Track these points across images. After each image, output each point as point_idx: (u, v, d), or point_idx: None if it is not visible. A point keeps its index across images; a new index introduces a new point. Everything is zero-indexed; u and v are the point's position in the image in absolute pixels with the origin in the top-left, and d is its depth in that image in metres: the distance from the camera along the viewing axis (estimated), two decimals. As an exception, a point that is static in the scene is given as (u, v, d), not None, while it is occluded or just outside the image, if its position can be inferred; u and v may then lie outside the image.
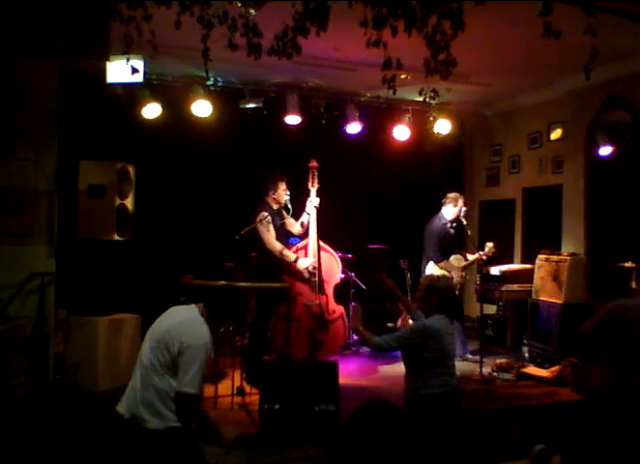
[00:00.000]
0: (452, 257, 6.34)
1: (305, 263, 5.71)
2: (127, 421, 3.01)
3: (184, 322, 3.08)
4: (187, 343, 2.96)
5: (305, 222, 5.91)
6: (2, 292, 4.82)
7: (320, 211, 5.97)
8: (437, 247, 6.20)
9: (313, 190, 5.95)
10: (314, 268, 5.77)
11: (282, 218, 5.81)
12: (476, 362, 6.13)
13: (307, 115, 7.06)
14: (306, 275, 5.74)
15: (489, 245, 6.33)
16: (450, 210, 6.32)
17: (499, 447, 4.49)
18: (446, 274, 5.83)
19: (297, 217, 6.01)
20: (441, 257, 6.19)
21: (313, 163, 6.02)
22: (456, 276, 6.10)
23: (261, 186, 5.80)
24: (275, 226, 5.65)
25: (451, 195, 6.38)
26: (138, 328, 5.42)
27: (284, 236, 5.83)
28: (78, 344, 5.20)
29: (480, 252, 6.22)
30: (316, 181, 5.97)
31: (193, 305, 3.17)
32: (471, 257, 6.40)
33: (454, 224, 6.37)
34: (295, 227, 5.95)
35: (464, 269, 6.32)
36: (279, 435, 4.15)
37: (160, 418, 2.97)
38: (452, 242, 6.38)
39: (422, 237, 6.42)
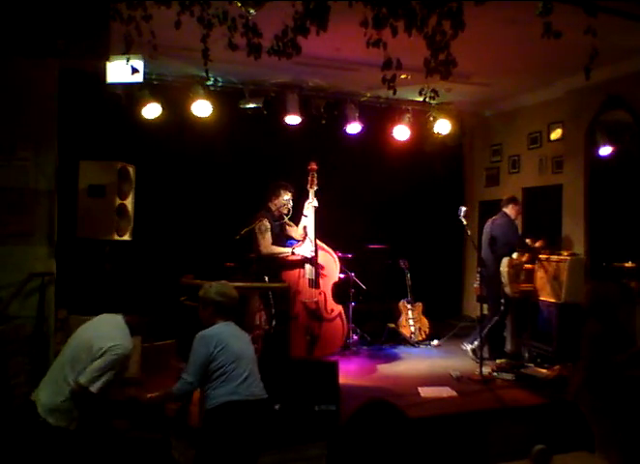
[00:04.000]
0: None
1: (302, 250, 5.90)
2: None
3: (110, 328, 3.31)
4: (107, 346, 3.18)
5: (306, 225, 6.02)
6: (2, 292, 4.81)
7: (320, 211, 6.06)
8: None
9: (312, 192, 6.07)
10: (312, 253, 5.93)
11: (282, 224, 5.94)
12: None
13: (307, 115, 7.07)
14: (309, 254, 5.91)
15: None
16: (512, 208, 6.63)
17: (499, 447, 4.48)
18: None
19: (296, 217, 6.08)
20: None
21: (312, 166, 6.13)
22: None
23: (266, 192, 6.02)
24: (273, 233, 5.81)
25: (508, 197, 6.78)
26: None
27: (283, 241, 5.97)
28: (78, 344, 5.19)
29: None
30: (315, 183, 6.09)
31: (120, 316, 3.40)
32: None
33: None
34: (297, 232, 6.11)
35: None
36: (279, 435, 4.15)
37: (56, 414, 3.16)
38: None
39: (491, 237, 6.54)
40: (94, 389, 3.12)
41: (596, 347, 3.88)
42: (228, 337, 3.39)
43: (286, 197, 5.91)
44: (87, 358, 3.18)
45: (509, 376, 5.67)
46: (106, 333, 3.28)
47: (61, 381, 3.21)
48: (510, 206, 6.65)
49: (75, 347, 3.28)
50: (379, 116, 7.54)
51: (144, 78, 4.97)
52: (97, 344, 3.19)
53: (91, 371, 3.13)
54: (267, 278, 5.52)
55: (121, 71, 4.61)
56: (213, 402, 3.25)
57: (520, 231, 7.75)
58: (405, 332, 7.31)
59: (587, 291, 4.22)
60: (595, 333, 3.91)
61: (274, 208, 5.96)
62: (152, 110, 6.42)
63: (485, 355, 6.21)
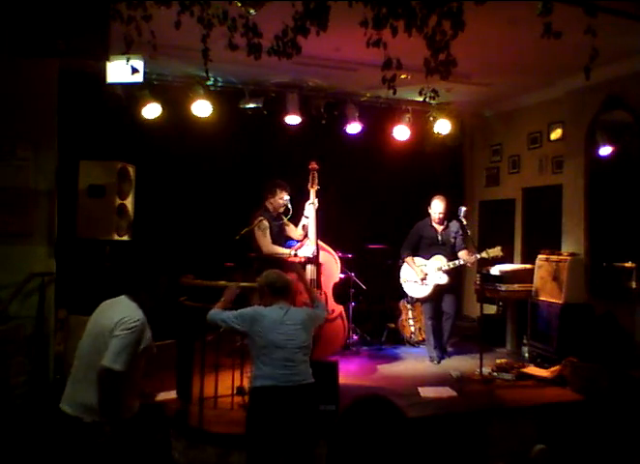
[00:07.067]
0: (434, 257, 6.44)
1: (305, 251, 5.85)
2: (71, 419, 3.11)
3: (117, 307, 3.21)
4: (120, 321, 3.05)
5: (306, 225, 5.99)
6: (2, 292, 4.82)
7: (320, 211, 6.04)
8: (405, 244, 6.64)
9: (313, 192, 6.03)
10: (314, 254, 5.90)
11: (281, 225, 5.94)
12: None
13: (307, 115, 7.06)
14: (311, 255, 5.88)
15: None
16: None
17: (499, 447, 4.48)
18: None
19: (296, 218, 6.07)
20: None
21: (313, 165, 6.09)
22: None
23: (262, 190, 5.99)
24: (272, 231, 5.78)
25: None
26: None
27: (283, 240, 5.95)
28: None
29: (477, 255, 6.20)
30: (316, 183, 6.05)
31: (122, 296, 3.29)
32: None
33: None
34: (296, 232, 6.05)
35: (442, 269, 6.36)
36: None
37: (91, 411, 3.04)
38: (436, 242, 6.49)
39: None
40: (118, 366, 2.96)
41: None
42: (274, 324, 3.53)
43: (285, 197, 5.89)
44: (106, 342, 3.06)
45: (508, 376, 5.67)
46: (113, 311, 3.19)
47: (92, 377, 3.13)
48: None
49: (94, 338, 3.18)
50: (379, 116, 7.53)
51: (144, 78, 4.97)
52: (108, 325, 3.08)
53: (110, 351, 2.99)
54: None
55: (121, 71, 4.61)
56: (252, 384, 3.49)
57: (520, 231, 7.80)
58: (405, 332, 7.31)
59: None
60: None
61: (271, 207, 5.93)
62: (152, 110, 6.42)
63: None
